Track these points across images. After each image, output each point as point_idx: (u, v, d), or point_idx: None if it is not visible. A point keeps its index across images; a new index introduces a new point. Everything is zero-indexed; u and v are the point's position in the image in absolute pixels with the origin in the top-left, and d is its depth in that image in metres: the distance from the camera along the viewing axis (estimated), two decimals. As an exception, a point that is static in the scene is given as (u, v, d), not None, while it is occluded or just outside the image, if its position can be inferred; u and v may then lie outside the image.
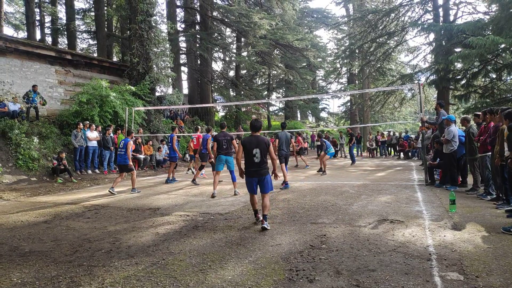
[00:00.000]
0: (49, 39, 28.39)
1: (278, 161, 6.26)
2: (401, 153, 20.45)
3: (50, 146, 12.04)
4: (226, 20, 25.78)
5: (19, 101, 12.37)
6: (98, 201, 7.71)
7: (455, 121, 8.46)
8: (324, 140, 12.93)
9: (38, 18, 25.59)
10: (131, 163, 9.02)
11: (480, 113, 7.93)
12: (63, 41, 29.20)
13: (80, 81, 15.20)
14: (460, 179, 8.64)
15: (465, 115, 8.56)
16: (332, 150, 13.04)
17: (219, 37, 28.71)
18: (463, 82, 16.27)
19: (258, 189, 5.31)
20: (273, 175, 5.65)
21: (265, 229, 4.95)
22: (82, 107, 13.35)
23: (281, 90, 38.53)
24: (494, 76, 15.22)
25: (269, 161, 5.47)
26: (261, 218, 5.14)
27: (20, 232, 5.22)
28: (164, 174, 13.43)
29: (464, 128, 8.12)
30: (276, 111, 42.05)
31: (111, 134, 13.34)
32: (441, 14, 19.02)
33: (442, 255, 3.78)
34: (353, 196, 7.63)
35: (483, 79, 15.93)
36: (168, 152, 16.19)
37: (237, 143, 8.29)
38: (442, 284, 3.08)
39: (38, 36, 24.94)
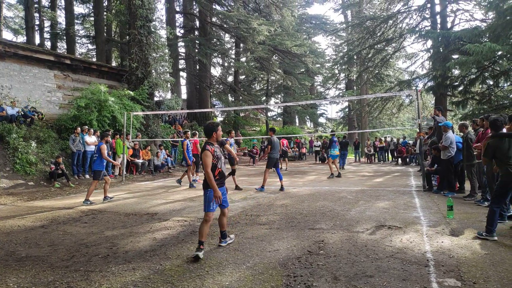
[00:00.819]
0: (48, 44, 28.46)
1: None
2: (399, 159, 20.48)
3: (48, 150, 12.01)
4: (225, 26, 25.92)
5: (17, 105, 12.36)
6: (95, 206, 7.68)
7: (452, 127, 8.49)
8: (335, 139, 12.98)
9: (37, 22, 25.67)
10: (104, 171, 8.36)
11: (478, 119, 7.97)
12: (62, 46, 29.27)
13: (79, 86, 15.21)
14: (458, 185, 8.66)
15: (463, 122, 8.59)
16: (334, 153, 13.01)
17: (218, 43, 28.84)
18: (460, 88, 16.35)
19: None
20: None
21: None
22: (80, 111, 13.34)
23: (279, 96, 38.64)
24: (491, 82, 15.31)
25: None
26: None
27: (17, 237, 5.19)
28: (162, 179, 13.41)
29: (462, 134, 8.15)
30: (275, 117, 42.14)
31: (109, 139, 13.32)
32: (438, 21, 19.16)
33: (440, 261, 3.78)
34: (351, 202, 7.63)
35: (480, 86, 16.01)
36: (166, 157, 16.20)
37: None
38: (440, 291, 3.08)
39: (37, 40, 24.99)
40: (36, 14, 25.27)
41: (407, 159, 20.06)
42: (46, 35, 28.76)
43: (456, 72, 16.47)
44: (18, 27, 30.05)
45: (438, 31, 17.15)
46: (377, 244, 4.44)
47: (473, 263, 3.73)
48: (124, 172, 12.87)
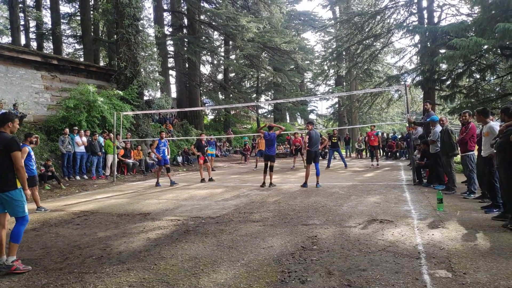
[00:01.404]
0: (34, 44, 28.02)
1: None
2: (389, 153, 20.69)
3: (37, 152, 11.85)
4: (214, 23, 25.82)
5: (4, 107, 12.16)
6: (87, 207, 7.63)
7: (436, 120, 8.63)
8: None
9: (22, 23, 25.27)
10: (34, 175, 7.45)
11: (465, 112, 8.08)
12: (48, 46, 28.84)
13: (67, 86, 15.03)
14: (447, 178, 8.80)
15: (441, 116, 8.75)
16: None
17: (207, 41, 28.71)
18: (448, 82, 16.54)
19: None
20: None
21: None
22: (69, 112, 13.20)
23: (269, 93, 38.68)
24: (478, 76, 15.52)
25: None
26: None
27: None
28: (154, 179, 13.35)
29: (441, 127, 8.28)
30: (265, 114, 42.20)
31: (99, 139, 13.23)
32: (425, 16, 19.34)
33: (431, 253, 3.85)
34: (343, 197, 7.70)
35: (467, 80, 16.23)
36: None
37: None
38: (431, 282, 3.14)
39: (23, 41, 24.61)
40: (21, 14, 24.87)
41: (397, 154, 20.29)
42: (32, 35, 28.33)
43: (444, 66, 16.65)
44: (2, 27, 29.45)
45: (425, 26, 17.32)
46: (369, 238, 4.51)
47: (463, 254, 3.81)
48: (115, 173, 12.79)
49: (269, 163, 9.78)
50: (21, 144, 6.94)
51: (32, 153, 7.46)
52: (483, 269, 3.39)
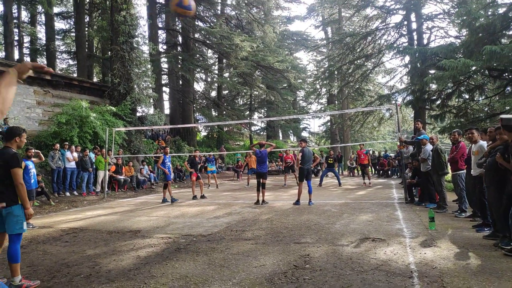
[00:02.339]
0: (27, 59, 27.97)
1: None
2: (380, 172, 20.79)
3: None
4: (208, 42, 26.14)
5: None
6: (77, 224, 7.50)
7: (427, 139, 8.74)
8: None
9: (16, 38, 25.26)
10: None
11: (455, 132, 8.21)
12: (42, 61, 28.80)
13: (60, 102, 14.98)
14: (438, 197, 8.86)
15: (431, 135, 8.90)
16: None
17: (201, 58, 28.99)
18: (438, 102, 16.83)
19: None
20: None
21: None
22: (61, 127, 13.12)
23: (262, 110, 38.91)
24: (467, 96, 15.82)
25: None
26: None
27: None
28: (145, 195, 13.21)
29: (431, 146, 8.39)
30: (258, 131, 42.29)
31: (90, 155, 13.12)
32: (415, 37, 19.83)
33: (423, 272, 3.84)
34: (335, 215, 7.68)
35: (457, 100, 16.54)
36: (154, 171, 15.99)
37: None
38: (424, 301, 3.12)
39: (16, 56, 24.55)
40: (16, 30, 24.90)
41: (389, 172, 20.40)
42: (26, 51, 28.31)
43: (434, 86, 16.97)
44: (-4, 42, 29.47)
45: (415, 47, 17.74)
46: (362, 257, 4.49)
47: (455, 273, 3.80)
48: (106, 189, 12.64)
49: (261, 180, 9.76)
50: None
51: (29, 167, 7.51)
52: (475, 289, 3.38)
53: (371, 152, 23.50)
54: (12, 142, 3.97)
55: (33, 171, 7.79)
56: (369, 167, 16.27)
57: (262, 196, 9.73)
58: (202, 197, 11.57)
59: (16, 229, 3.83)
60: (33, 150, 7.92)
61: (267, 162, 10.25)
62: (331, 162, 15.93)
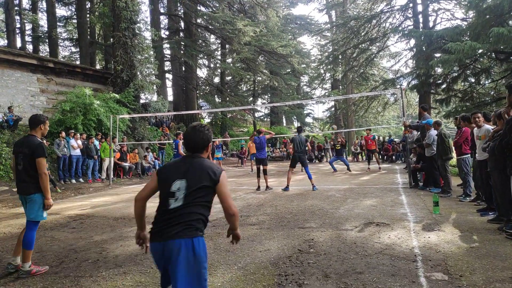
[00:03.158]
0: (30, 47, 27.92)
1: None
2: (385, 157, 20.76)
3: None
4: (211, 27, 25.88)
5: (0, 110, 12.12)
6: (83, 211, 7.59)
7: (430, 124, 8.68)
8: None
9: (18, 25, 25.15)
10: None
11: (458, 117, 8.16)
12: (44, 49, 28.75)
13: (63, 89, 14.99)
14: (442, 181, 8.85)
15: (436, 119, 8.82)
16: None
17: (203, 44, 28.76)
18: (443, 86, 16.67)
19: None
20: None
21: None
22: (65, 115, 13.16)
23: (266, 96, 38.75)
24: (473, 80, 15.65)
25: None
26: None
27: (3, 244, 5.10)
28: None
29: (436, 131, 8.34)
30: (262, 117, 42.22)
31: (95, 142, 13.19)
32: (420, 20, 19.51)
33: (427, 256, 3.86)
34: (339, 200, 7.71)
35: (462, 83, 16.36)
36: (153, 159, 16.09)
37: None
38: (428, 285, 3.15)
39: (18, 44, 24.51)
40: (17, 17, 24.78)
41: (393, 157, 20.36)
42: (28, 38, 28.25)
43: (439, 70, 16.78)
44: (-2, 30, 29.39)
45: (421, 30, 17.46)
46: (366, 241, 4.52)
47: (459, 257, 3.82)
48: (111, 176, 12.74)
49: (261, 166, 9.84)
50: None
51: None
52: (479, 272, 3.40)
53: (376, 137, 23.42)
54: (36, 130, 3.98)
55: None
56: (377, 153, 16.06)
57: (266, 182, 9.78)
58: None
59: (35, 216, 3.86)
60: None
61: (266, 149, 10.27)
62: (339, 148, 15.55)
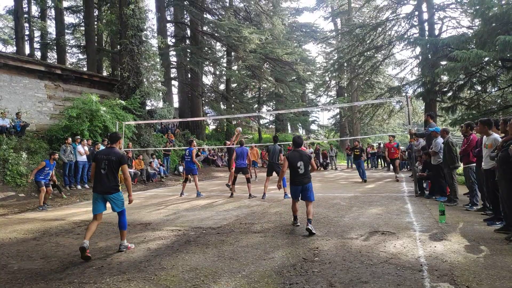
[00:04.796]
0: (38, 54, 28.26)
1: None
2: (390, 165, 20.61)
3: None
4: (216, 34, 26.04)
5: (8, 116, 12.24)
6: (88, 217, 7.60)
7: (438, 131, 8.62)
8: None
9: (27, 32, 25.51)
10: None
11: (463, 125, 8.10)
12: (52, 56, 29.10)
13: (70, 96, 15.12)
14: (449, 190, 8.77)
15: (444, 127, 8.75)
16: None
17: (209, 51, 28.93)
18: (449, 94, 16.59)
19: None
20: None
21: (310, 232, 5.32)
22: (71, 121, 13.25)
23: (271, 103, 38.77)
24: (479, 88, 15.56)
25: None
26: (307, 222, 5.55)
27: (9, 250, 5.13)
28: (155, 188, 13.33)
29: (442, 139, 8.28)
30: (267, 124, 42.23)
31: (101, 148, 13.26)
32: (426, 28, 19.50)
33: (433, 266, 3.82)
34: (344, 208, 7.67)
35: (468, 91, 16.27)
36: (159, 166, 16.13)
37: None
38: (434, 295, 3.11)
39: (27, 50, 24.83)
40: (26, 24, 25.12)
41: (399, 165, 20.21)
42: (36, 45, 28.60)
43: (445, 78, 16.73)
44: (7, 37, 29.80)
45: (426, 38, 17.45)
46: (371, 250, 4.48)
47: (465, 267, 3.78)
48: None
49: (243, 174, 10.15)
50: (45, 160, 9.66)
51: (47, 168, 9.40)
52: (486, 282, 3.36)
53: (381, 145, 23.29)
54: (117, 144, 5.11)
55: (47, 170, 9.42)
56: (398, 161, 15.13)
57: (249, 190, 9.90)
58: (228, 185, 11.53)
59: (121, 207, 4.99)
60: (57, 155, 9.91)
61: (246, 159, 10.39)
62: (358, 153, 14.38)
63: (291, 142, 6.19)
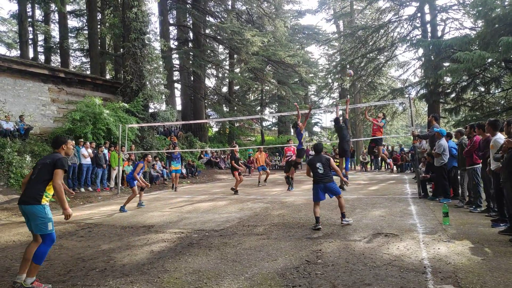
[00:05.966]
0: (42, 57, 28.46)
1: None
2: (394, 166, 20.57)
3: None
4: (219, 37, 26.13)
5: (11, 119, 12.32)
6: (91, 219, 7.64)
7: (445, 134, 8.58)
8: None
9: (31, 36, 25.68)
10: None
11: (467, 126, 8.06)
12: (56, 59, 29.25)
13: (73, 99, 15.20)
14: (452, 192, 8.73)
15: (459, 128, 8.70)
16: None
17: (212, 54, 29.00)
18: (452, 95, 16.55)
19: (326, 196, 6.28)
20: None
21: (347, 225, 6.04)
22: (75, 124, 13.31)
23: (274, 105, 38.76)
24: (482, 89, 15.53)
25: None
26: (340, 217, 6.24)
27: (12, 252, 5.15)
28: (158, 191, 13.35)
29: (456, 140, 8.25)
30: (270, 126, 42.23)
31: (104, 151, 13.30)
32: (429, 30, 19.48)
33: (437, 268, 3.80)
34: (347, 210, 7.61)
35: (472, 93, 16.23)
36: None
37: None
38: (438, 297, 3.10)
39: (31, 54, 24.98)
40: (30, 28, 25.29)
41: (402, 166, 20.17)
42: (40, 49, 28.78)
43: (448, 79, 16.69)
44: (11, 41, 29.99)
45: (429, 39, 17.44)
46: (375, 252, 4.46)
47: (470, 269, 3.76)
48: (120, 185, 12.81)
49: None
50: None
51: None
52: (490, 284, 3.34)
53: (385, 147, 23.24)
54: (60, 149, 4.16)
55: None
56: (381, 147, 14.64)
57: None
58: (233, 190, 11.64)
59: (41, 229, 3.84)
60: None
61: None
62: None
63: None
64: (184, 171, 18.12)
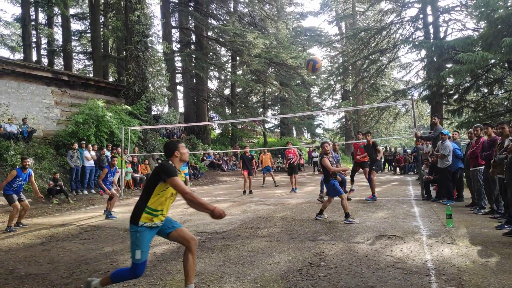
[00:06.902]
0: (45, 60, 28.57)
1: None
2: (397, 168, 20.52)
3: (46, 167, 11.99)
4: (221, 39, 26.18)
5: (15, 122, 12.38)
6: (94, 222, 7.65)
7: (449, 136, 8.55)
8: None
9: (34, 40, 25.82)
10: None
11: (472, 128, 8.02)
12: (59, 62, 29.39)
13: (77, 102, 15.26)
14: (456, 193, 8.69)
15: (470, 129, 8.63)
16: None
17: (214, 56, 29.06)
18: (455, 97, 16.48)
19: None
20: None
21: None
22: (78, 127, 13.37)
23: (276, 107, 38.80)
24: (485, 90, 15.45)
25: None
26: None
27: (16, 255, 5.16)
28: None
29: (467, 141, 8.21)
30: (272, 128, 42.22)
31: (106, 154, 13.33)
32: (431, 31, 19.43)
33: (441, 270, 3.78)
34: (350, 212, 7.61)
35: (475, 94, 16.15)
36: None
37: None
38: (442, 300, 3.08)
39: (34, 57, 25.10)
40: (33, 32, 25.44)
41: (405, 168, 20.12)
42: (43, 52, 28.92)
43: (451, 80, 16.62)
44: (15, 44, 30.18)
45: (432, 41, 17.39)
46: (378, 254, 4.45)
47: (473, 271, 3.74)
48: (123, 187, 12.83)
49: None
50: (16, 168, 7.11)
51: (19, 178, 7.17)
52: (494, 287, 3.32)
53: (387, 148, 23.19)
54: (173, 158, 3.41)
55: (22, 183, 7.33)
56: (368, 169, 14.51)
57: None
58: (250, 192, 11.93)
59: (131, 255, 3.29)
60: (28, 161, 7.50)
61: None
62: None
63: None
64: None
